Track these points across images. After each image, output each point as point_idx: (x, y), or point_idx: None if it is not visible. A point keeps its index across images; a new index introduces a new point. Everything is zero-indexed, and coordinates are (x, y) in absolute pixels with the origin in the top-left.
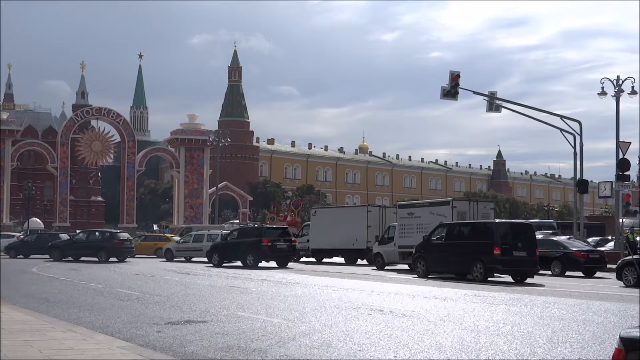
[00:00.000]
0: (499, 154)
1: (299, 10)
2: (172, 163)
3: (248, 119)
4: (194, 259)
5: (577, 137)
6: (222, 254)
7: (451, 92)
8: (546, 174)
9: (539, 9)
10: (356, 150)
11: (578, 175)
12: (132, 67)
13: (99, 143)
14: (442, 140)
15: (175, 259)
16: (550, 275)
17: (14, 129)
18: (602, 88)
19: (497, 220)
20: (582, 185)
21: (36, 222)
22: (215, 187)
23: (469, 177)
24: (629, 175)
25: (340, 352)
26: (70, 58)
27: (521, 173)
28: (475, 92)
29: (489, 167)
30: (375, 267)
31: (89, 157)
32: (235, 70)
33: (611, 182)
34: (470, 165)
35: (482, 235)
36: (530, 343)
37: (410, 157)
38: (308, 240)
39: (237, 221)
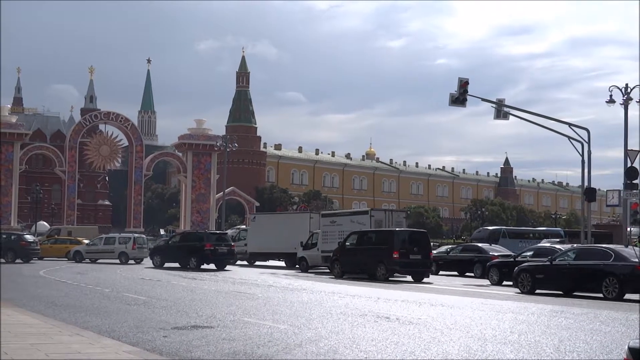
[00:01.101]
0: (507, 161)
1: (305, 17)
2: (180, 168)
3: (255, 124)
4: (99, 261)
5: (585, 145)
6: (163, 256)
7: (459, 99)
8: (554, 181)
9: (545, 16)
10: (363, 156)
11: (586, 184)
12: (140, 72)
13: (107, 147)
14: (449, 147)
15: (83, 261)
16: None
17: (22, 133)
18: (611, 96)
19: (397, 229)
20: (590, 194)
21: (43, 225)
22: (222, 192)
23: (476, 184)
24: (637, 184)
25: (346, 359)
26: (79, 62)
27: (528, 180)
28: (483, 99)
29: (496, 174)
30: (300, 270)
31: (97, 161)
32: (243, 75)
33: (619, 191)
34: (477, 172)
35: (385, 241)
36: (538, 352)
37: (417, 163)
38: (245, 245)
39: (244, 226)
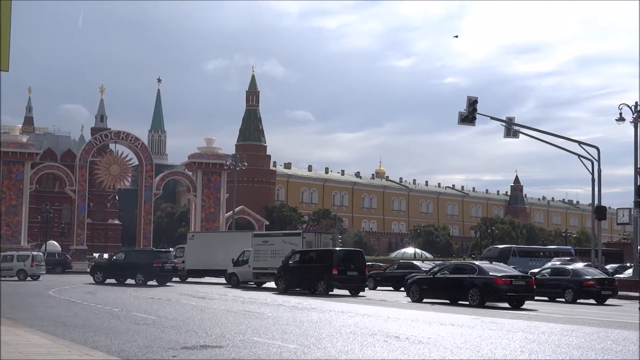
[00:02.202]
0: (516, 180)
1: (314, 36)
2: (189, 187)
3: (265, 143)
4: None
5: (595, 163)
6: (105, 273)
7: (469, 117)
8: (564, 199)
9: (553, 35)
10: (373, 175)
11: (596, 202)
12: (150, 91)
13: (117, 166)
14: (458, 166)
15: None
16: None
17: (33, 152)
18: (620, 114)
19: (337, 248)
20: (600, 212)
21: (53, 245)
22: (232, 211)
23: (486, 202)
24: None
25: None
26: (89, 82)
27: (538, 199)
28: (492, 118)
29: (506, 192)
30: (230, 285)
31: (107, 181)
32: (252, 94)
33: (630, 209)
34: (487, 190)
35: (325, 259)
36: None
37: (427, 182)
38: (183, 262)
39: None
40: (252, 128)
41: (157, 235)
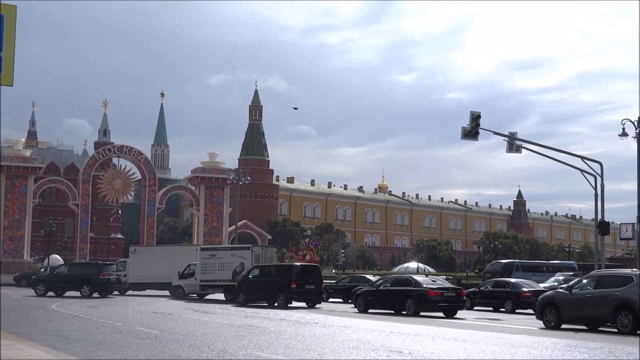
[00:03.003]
0: (519, 194)
1: (316, 51)
2: (192, 201)
3: (268, 157)
4: None
5: (598, 178)
6: (48, 285)
7: (472, 132)
8: (567, 214)
9: (554, 51)
10: (375, 189)
11: (599, 217)
12: (153, 106)
13: (120, 181)
14: (461, 180)
15: None
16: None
17: (36, 166)
18: (623, 129)
19: (295, 263)
20: (603, 227)
21: (56, 259)
22: (234, 226)
23: (489, 217)
24: None
25: None
26: (92, 97)
27: (541, 214)
28: (495, 133)
29: (509, 207)
30: (175, 297)
31: (110, 195)
32: (255, 109)
33: (633, 224)
34: (490, 205)
35: (284, 274)
36: None
37: (429, 196)
38: (125, 275)
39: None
40: (255, 142)
41: None
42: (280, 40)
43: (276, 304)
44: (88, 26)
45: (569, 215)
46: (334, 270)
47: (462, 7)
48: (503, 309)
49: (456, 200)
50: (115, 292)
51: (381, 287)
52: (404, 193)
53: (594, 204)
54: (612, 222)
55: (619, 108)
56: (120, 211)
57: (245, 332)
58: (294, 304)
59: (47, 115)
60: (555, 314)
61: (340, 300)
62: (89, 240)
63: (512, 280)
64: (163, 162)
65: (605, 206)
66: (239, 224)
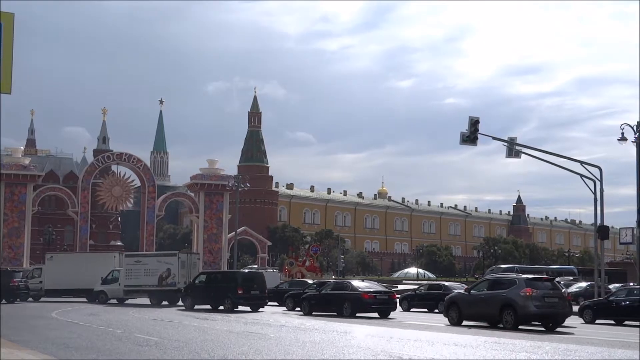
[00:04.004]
0: (519, 199)
1: (315, 58)
2: (192, 208)
3: (267, 164)
4: None
5: (598, 183)
6: None
7: (471, 137)
8: (566, 219)
9: (553, 56)
10: (375, 195)
11: (599, 221)
12: (152, 113)
13: (119, 188)
14: (460, 186)
15: None
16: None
17: (35, 174)
18: (622, 133)
19: (241, 270)
20: (602, 232)
21: None
22: (234, 232)
23: (489, 222)
24: None
25: None
26: (91, 105)
27: (541, 218)
28: (494, 138)
29: (509, 212)
30: (98, 302)
31: (109, 202)
32: (255, 115)
33: (632, 228)
34: (489, 210)
35: (230, 279)
36: None
37: (429, 202)
38: (41, 282)
39: (256, 266)
40: (254, 149)
41: None
42: (278, 47)
43: (222, 308)
44: (87, 34)
45: (569, 220)
46: (333, 276)
47: (460, 13)
48: (437, 310)
49: (456, 205)
50: (30, 299)
51: (323, 292)
52: (403, 199)
53: (593, 208)
54: (612, 227)
55: (618, 113)
56: (119, 218)
57: (245, 338)
58: (240, 308)
59: (46, 124)
60: (457, 312)
61: (276, 304)
62: (89, 248)
63: (447, 283)
64: (162, 169)
65: (605, 211)
66: (238, 230)
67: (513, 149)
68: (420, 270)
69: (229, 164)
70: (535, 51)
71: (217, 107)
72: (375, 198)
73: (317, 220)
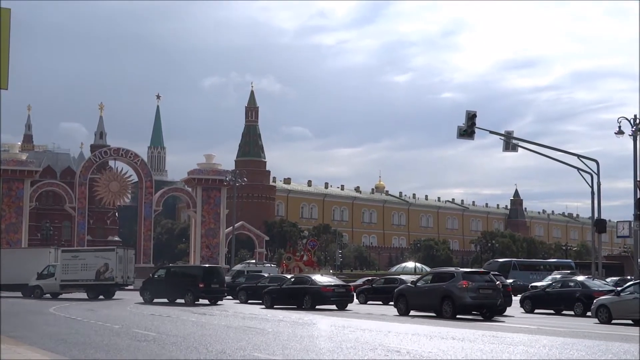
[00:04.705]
0: (516, 193)
1: (311, 53)
2: (189, 203)
3: (265, 158)
4: None
5: (595, 177)
6: None
7: (468, 131)
8: (564, 213)
9: (549, 50)
10: (372, 189)
11: (596, 215)
12: (149, 108)
13: (117, 183)
14: (457, 180)
15: None
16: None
17: (32, 170)
18: (619, 127)
19: (202, 265)
20: (600, 225)
21: None
22: (232, 227)
23: (486, 216)
24: None
25: None
26: (88, 100)
27: (538, 212)
28: (491, 132)
29: (506, 206)
30: (33, 297)
31: (107, 197)
32: (252, 110)
33: (629, 222)
34: (487, 204)
35: (192, 274)
36: None
37: (426, 196)
38: None
39: (254, 261)
40: (251, 144)
41: (158, 251)
42: (275, 42)
43: (182, 301)
44: (83, 30)
45: (566, 214)
46: (331, 271)
47: (456, 7)
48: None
49: (453, 199)
50: None
51: (284, 286)
52: (400, 193)
53: (590, 202)
54: (609, 220)
55: (614, 107)
56: (117, 214)
57: (243, 333)
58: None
59: (43, 119)
60: (405, 303)
61: (230, 297)
62: (87, 243)
63: (404, 277)
64: (160, 164)
65: (602, 204)
66: (236, 225)
67: (510, 142)
68: (418, 265)
69: (226, 158)
70: (531, 45)
71: (214, 102)
72: (372, 192)
73: (315, 214)
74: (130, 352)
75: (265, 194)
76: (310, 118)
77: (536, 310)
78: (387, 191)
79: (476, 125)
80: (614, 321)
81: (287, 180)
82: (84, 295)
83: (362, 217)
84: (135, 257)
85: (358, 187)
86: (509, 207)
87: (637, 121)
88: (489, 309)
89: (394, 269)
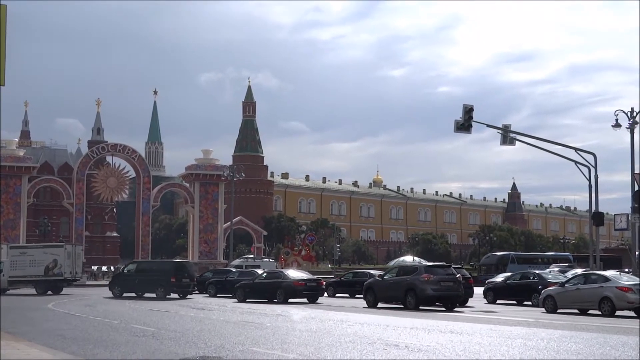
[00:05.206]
0: (514, 187)
1: (307, 48)
2: (187, 198)
3: (262, 153)
4: None
5: (592, 170)
6: None
7: (465, 125)
8: (561, 206)
9: (544, 44)
10: (370, 183)
11: (593, 208)
12: (147, 104)
13: (114, 179)
14: (454, 174)
15: None
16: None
17: (30, 166)
18: (617, 120)
19: (173, 260)
20: (597, 218)
21: None
22: (230, 222)
23: (484, 210)
24: None
25: None
26: (85, 96)
27: (536, 206)
28: (489, 125)
29: (504, 199)
30: None
31: (105, 193)
32: (249, 105)
33: (627, 214)
34: (484, 198)
35: (163, 269)
36: None
37: (424, 190)
38: None
39: (252, 256)
40: (249, 138)
41: (156, 247)
42: (271, 37)
43: (153, 295)
44: (79, 26)
45: (564, 207)
46: (329, 265)
47: (452, 2)
48: (359, 295)
49: (451, 193)
50: None
51: (257, 281)
52: (398, 187)
53: (588, 195)
54: (607, 213)
55: (610, 100)
56: (115, 209)
57: (241, 328)
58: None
59: (40, 115)
60: (373, 295)
61: (197, 291)
62: (85, 239)
63: (372, 271)
64: (157, 159)
65: (600, 197)
66: (234, 220)
67: (508, 136)
68: (416, 258)
69: (223, 154)
70: (527, 39)
71: (211, 97)
72: (370, 187)
73: (313, 209)
74: (129, 347)
75: (263, 189)
76: (307, 113)
77: (498, 301)
78: (384, 185)
79: (473, 119)
80: (559, 310)
81: (285, 175)
82: (32, 290)
83: (360, 211)
84: (83, 253)
85: (356, 181)
86: (506, 200)
87: (634, 114)
88: (450, 300)
89: (392, 262)
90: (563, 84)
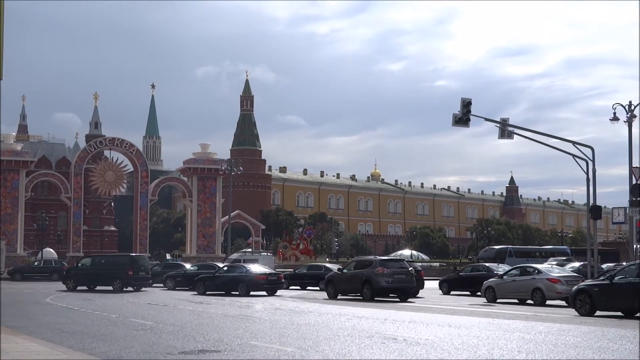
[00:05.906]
0: (512, 181)
1: (304, 42)
2: (185, 192)
3: (260, 147)
4: None
5: (590, 163)
6: None
7: (463, 119)
8: (559, 200)
9: (542, 38)
10: (368, 177)
11: (591, 201)
12: (144, 98)
13: (112, 173)
14: (453, 168)
15: None
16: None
17: (27, 160)
18: (614, 113)
19: (131, 254)
20: (595, 212)
21: (50, 253)
22: (228, 216)
23: (482, 203)
24: None
25: None
26: (83, 90)
27: (534, 199)
28: (487, 119)
29: (502, 193)
30: None
31: (102, 187)
32: (247, 99)
33: (625, 208)
34: (482, 192)
35: (119, 262)
36: None
37: (422, 184)
38: None
39: (250, 250)
40: (246, 132)
41: (154, 241)
42: (268, 31)
43: (109, 288)
44: (76, 20)
45: (561, 201)
46: (327, 259)
47: None
48: (315, 287)
49: (449, 187)
50: None
51: (217, 274)
52: (396, 181)
53: (585, 188)
54: (605, 207)
55: (607, 93)
56: (112, 204)
57: (240, 321)
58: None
59: (38, 109)
60: (333, 288)
61: (155, 284)
62: (82, 233)
63: (327, 265)
64: (155, 154)
65: (597, 191)
66: (232, 214)
67: (505, 130)
68: (414, 252)
69: (221, 148)
70: (524, 32)
71: (208, 91)
72: (368, 180)
73: (311, 203)
74: (127, 341)
75: (261, 183)
76: (305, 107)
77: (452, 292)
78: (382, 179)
79: (471, 113)
80: (498, 300)
81: (283, 169)
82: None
83: (358, 205)
84: (4, 248)
85: (354, 175)
86: (504, 194)
87: (632, 107)
88: (403, 292)
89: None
90: (560, 77)
